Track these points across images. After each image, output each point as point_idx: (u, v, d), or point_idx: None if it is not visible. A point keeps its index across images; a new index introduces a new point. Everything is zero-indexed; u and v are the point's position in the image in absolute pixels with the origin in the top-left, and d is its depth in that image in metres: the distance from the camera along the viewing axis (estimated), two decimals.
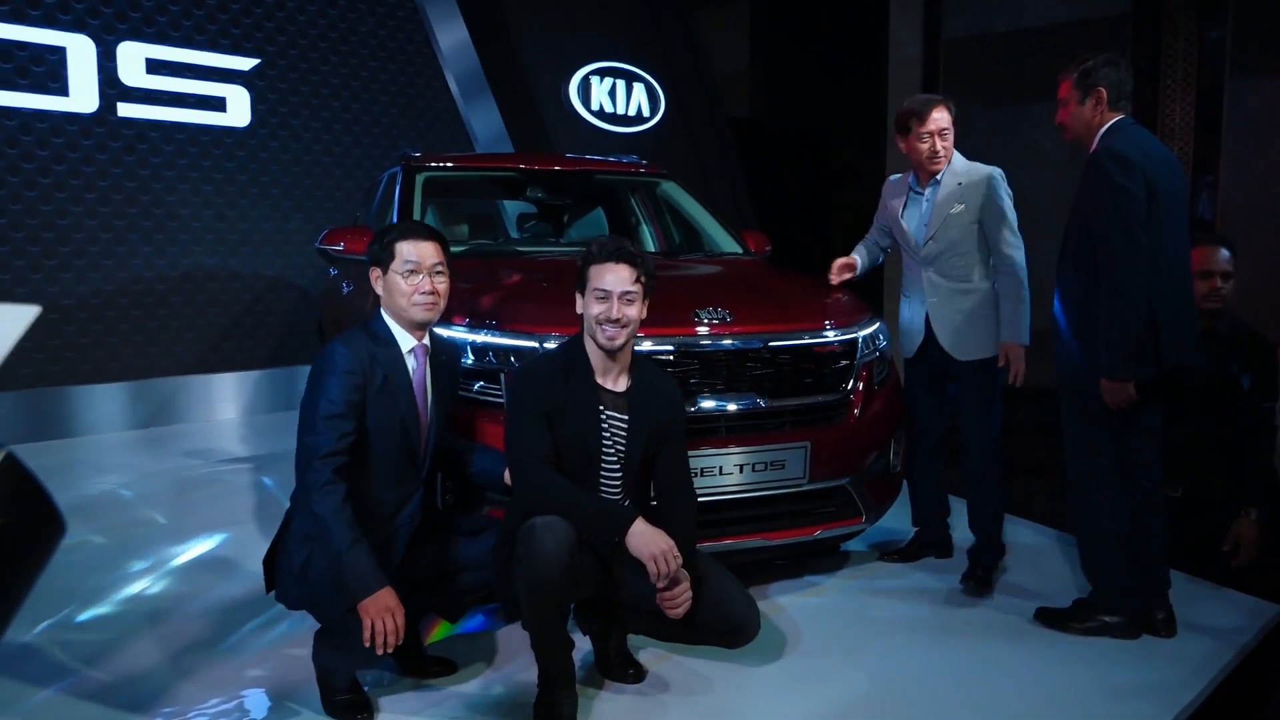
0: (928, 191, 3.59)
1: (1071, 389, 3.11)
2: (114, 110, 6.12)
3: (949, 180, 3.54)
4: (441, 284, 2.67)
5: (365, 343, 2.60)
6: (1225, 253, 3.46)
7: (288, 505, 2.66)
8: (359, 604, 2.36)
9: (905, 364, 3.81)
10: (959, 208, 3.51)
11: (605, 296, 2.60)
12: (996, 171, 3.52)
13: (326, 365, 2.53)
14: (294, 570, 2.51)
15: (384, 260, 2.66)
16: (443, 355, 2.80)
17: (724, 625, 2.61)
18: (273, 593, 2.61)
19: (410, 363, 2.66)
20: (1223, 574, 3.55)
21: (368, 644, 2.35)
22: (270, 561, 2.62)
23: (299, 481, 2.54)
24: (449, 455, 2.87)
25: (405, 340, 2.67)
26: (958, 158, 3.58)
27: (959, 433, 3.64)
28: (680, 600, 2.49)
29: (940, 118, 3.50)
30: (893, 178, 3.85)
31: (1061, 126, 3.16)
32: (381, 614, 2.35)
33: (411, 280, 2.62)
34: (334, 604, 2.44)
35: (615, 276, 2.61)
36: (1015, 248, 3.49)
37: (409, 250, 2.64)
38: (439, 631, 3.04)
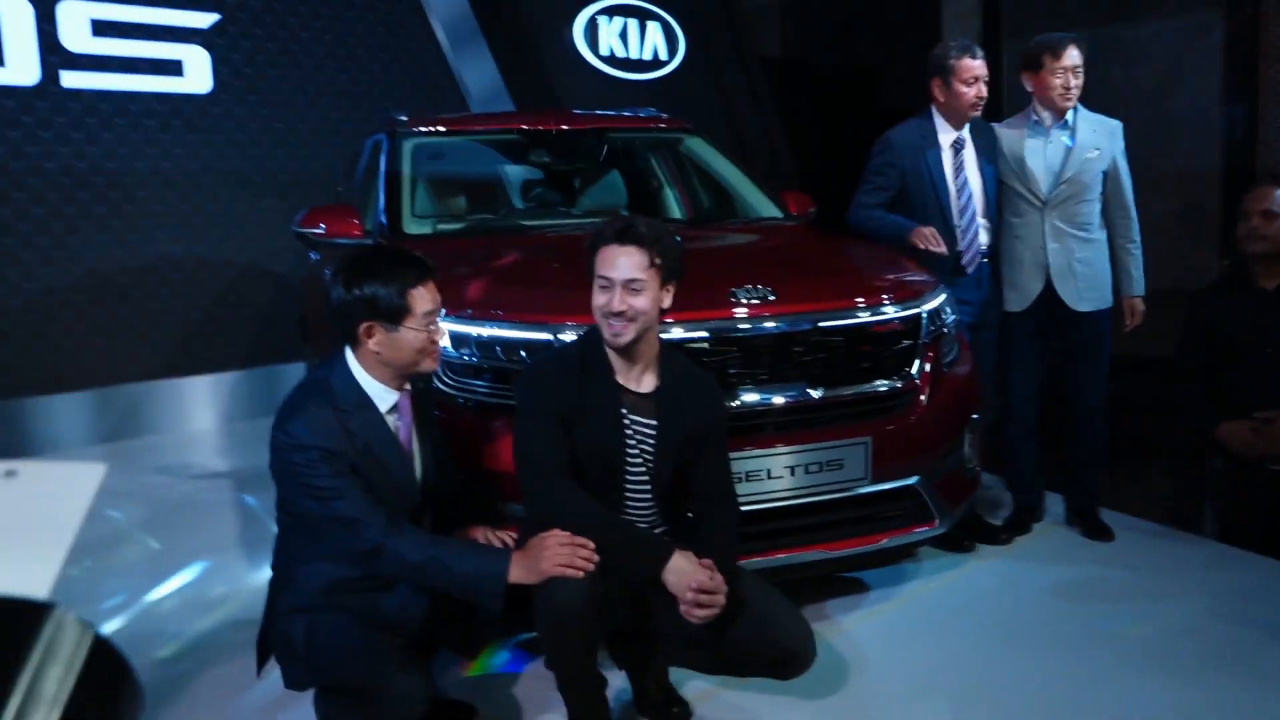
0: (1058, 133, 3.92)
1: None
2: (57, 80, 6.09)
3: (1084, 124, 3.93)
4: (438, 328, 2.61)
5: (326, 412, 2.45)
6: (1276, 193, 3.67)
7: (273, 531, 2.64)
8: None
9: (1005, 318, 4.07)
10: (1094, 153, 3.90)
11: (608, 285, 2.54)
12: (1120, 124, 3.99)
13: (296, 458, 2.40)
14: (296, 648, 2.49)
15: (395, 313, 2.47)
16: (418, 392, 2.72)
17: (773, 654, 2.57)
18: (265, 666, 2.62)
19: (392, 421, 2.57)
20: None
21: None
22: (262, 642, 2.62)
23: (284, 556, 2.56)
24: (456, 501, 2.83)
25: (384, 397, 2.55)
26: (1083, 107, 3.96)
27: (1065, 386, 4.08)
28: (706, 609, 2.44)
29: (1075, 54, 3.85)
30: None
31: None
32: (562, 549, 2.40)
33: (432, 330, 2.53)
34: (348, 667, 2.43)
35: (620, 261, 2.55)
36: (1134, 201, 3.96)
37: (428, 298, 2.51)
38: (474, 668, 3.03)
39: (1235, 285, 3.78)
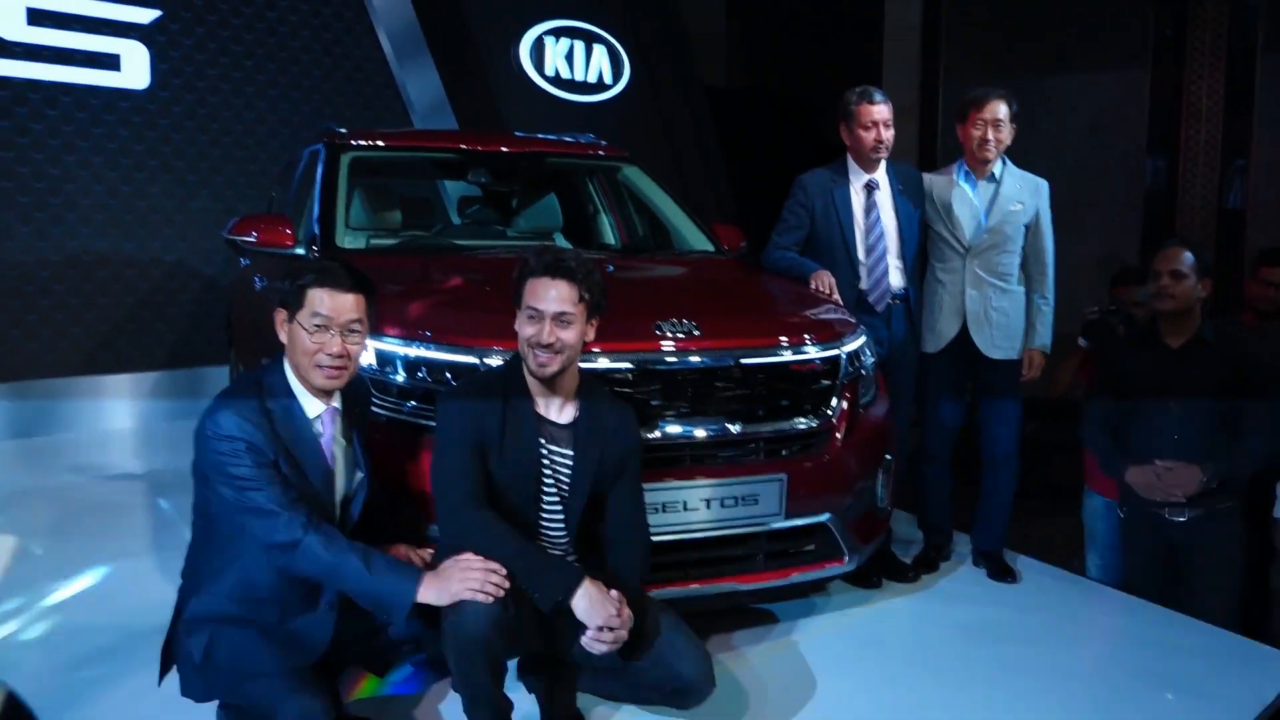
0: (984, 186, 4.10)
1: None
2: None
3: (1010, 178, 4.11)
4: (355, 345, 2.58)
5: (255, 407, 2.49)
6: (1185, 254, 3.79)
7: (188, 538, 2.65)
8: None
9: (923, 359, 4.22)
10: (1018, 206, 4.07)
11: (537, 317, 2.61)
12: (1045, 183, 4.17)
13: (221, 447, 2.44)
14: (194, 659, 2.50)
15: (291, 304, 2.55)
16: (355, 405, 2.75)
17: (673, 685, 2.64)
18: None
19: (317, 428, 2.60)
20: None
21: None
22: (167, 651, 2.62)
23: (194, 563, 2.57)
24: (378, 520, 2.84)
25: (310, 405, 2.58)
26: (1011, 163, 4.14)
27: (979, 430, 4.23)
28: (609, 641, 2.51)
29: (998, 109, 4.01)
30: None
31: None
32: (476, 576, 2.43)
33: (318, 338, 2.52)
34: (248, 684, 2.44)
35: (550, 294, 2.61)
36: (1052, 259, 4.13)
37: (322, 301, 2.53)
38: (364, 688, 3.03)
39: (1144, 340, 3.94)
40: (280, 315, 2.60)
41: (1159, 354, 3.81)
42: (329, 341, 2.53)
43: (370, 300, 2.64)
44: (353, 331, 2.57)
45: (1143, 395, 3.81)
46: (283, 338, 2.59)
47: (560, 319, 2.59)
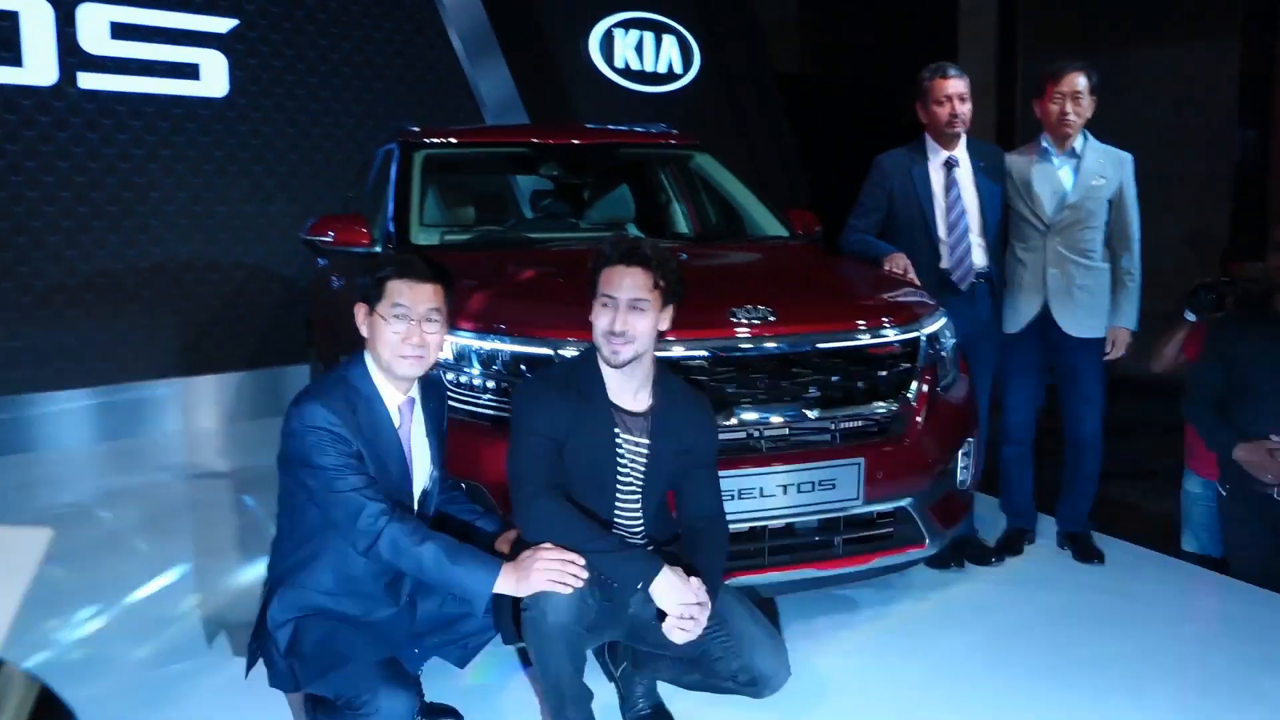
0: (1065, 161, 4.02)
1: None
2: (74, 81, 6.19)
3: (1092, 153, 4.02)
4: (433, 334, 2.61)
5: (340, 400, 2.54)
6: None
7: (273, 534, 2.70)
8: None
9: (1005, 340, 4.17)
10: (1100, 181, 4.00)
11: (611, 304, 2.60)
12: (1130, 156, 4.06)
13: (309, 439, 2.49)
14: (281, 650, 2.54)
15: (372, 298, 2.60)
16: (432, 402, 2.78)
17: (746, 674, 2.62)
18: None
19: (396, 419, 2.64)
20: None
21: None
22: (254, 644, 2.67)
23: (280, 559, 2.62)
24: (454, 513, 2.87)
25: (391, 395, 2.63)
26: (1093, 137, 4.05)
27: (1062, 411, 4.16)
28: (690, 628, 2.50)
29: (1077, 81, 3.94)
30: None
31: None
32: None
33: (398, 327, 2.56)
34: (336, 674, 2.46)
35: (625, 282, 2.60)
36: (1139, 234, 4.04)
37: (401, 291, 2.57)
38: (455, 680, 3.07)
39: (1257, 314, 3.76)
40: (361, 309, 2.64)
41: (1273, 328, 3.65)
42: (410, 331, 2.57)
43: (448, 290, 2.67)
44: (432, 321, 2.61)
45: (1255, 370, 3.66)
46: (364, 331, 2.64)
47: (634, 305, 2.59)
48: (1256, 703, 2.97)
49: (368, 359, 2.65)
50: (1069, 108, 3.94)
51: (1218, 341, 3.80)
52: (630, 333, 2.58)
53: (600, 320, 2.62)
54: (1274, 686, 3.05)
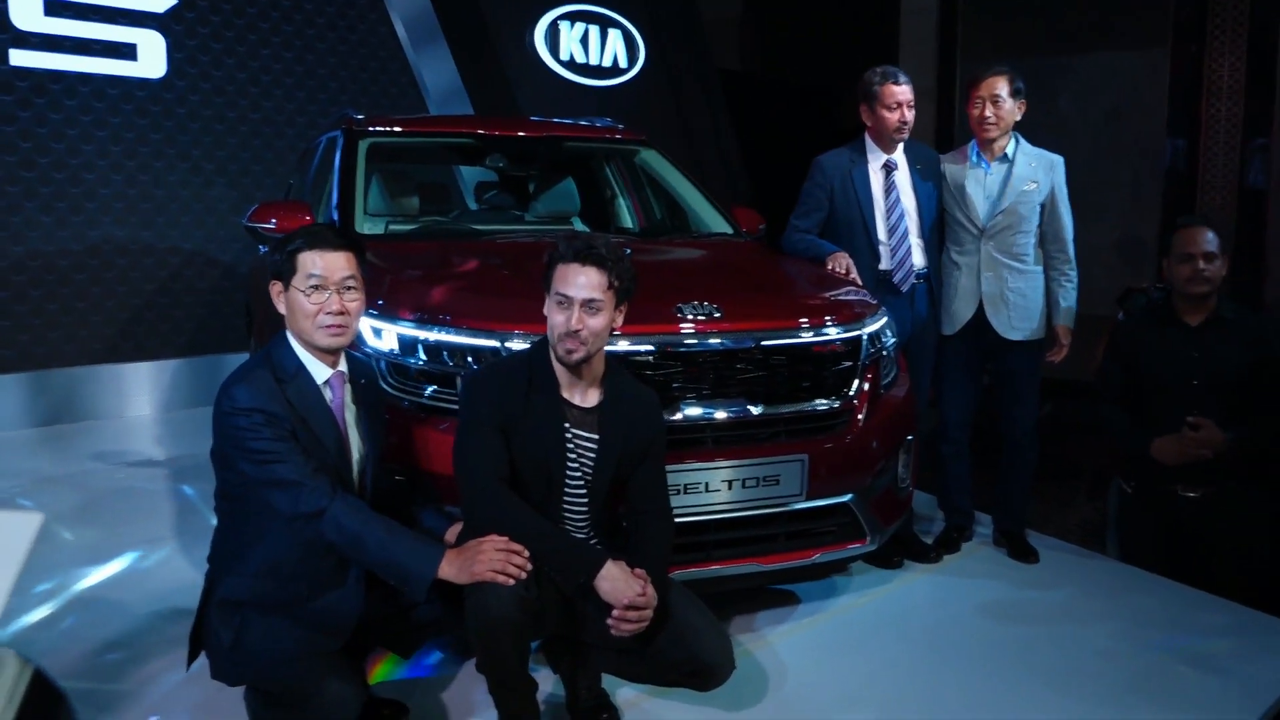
0: (996, 166, 4.08)
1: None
2: (6, 59, 6.05)
3: (1022, 158, 4.07)
4: (353, 302, 2.60)
5: (268, 379, 2.52)
6: (1210, 234, 3.78)
7: (212, 523, 2.67)
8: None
9: (940, 341, 4.23)
10: (1032, 185, 4.04)
11: (566, 303, 2.61)
12: (1060, 159, 4.12)
13: (240, 422, 2.46)
14: (225, 643, 2.52)
15: (285, 273, 2.58)
16: (361, 379, 2.76)
17: (691, 666, 2.65)
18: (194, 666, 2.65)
19: (327, 394, 2.62)
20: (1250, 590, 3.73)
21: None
22: (195, 635, 2.64)
23: (221, 546, 2.59)
24: (392, 503, 2.85)
25: (318, 370, 2.61)
26: (1024, 141, 4.10)
27: (997, 415, 4.24)
28: (635, 620, 2.53)
29: (996, 84, 4.00)
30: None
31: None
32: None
33: (316, 298, 2.54)
34: (280, 668, 2.46)
35: (580, 280, 2.61)
36: (1072, 234, 4.10)
37: (314, 262, 2.55)
38: (381, 669, 3.06)
39: (1158, 320, 3.92)
40: (276, 286, 2.62)
41: (1178, 332, 3.80)
42: (328, 300, 2.55)
43: (361, 257, 2.65)
44: (349, 289, 2.59)
45: (1159, 376, 3.81)
46: (281, 308, 2.61)
47: (589, 306, 2.60)
48: (1183, 697, 3.06)
49: (289, 337, 2.62)
50: (989, 111, 3.99)
51: (1121, 343, 3.96)
52: (585, 333, 2.60)
53: (555, 318, 2.62)
54: (1200, 681, 3.15)
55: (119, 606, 3.56)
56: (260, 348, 5.57)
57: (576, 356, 2.62)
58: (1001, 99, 3.99)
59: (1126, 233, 8.64)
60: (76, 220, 6.40)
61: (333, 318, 2.55)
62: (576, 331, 2.59)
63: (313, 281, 2.55)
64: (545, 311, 2.69)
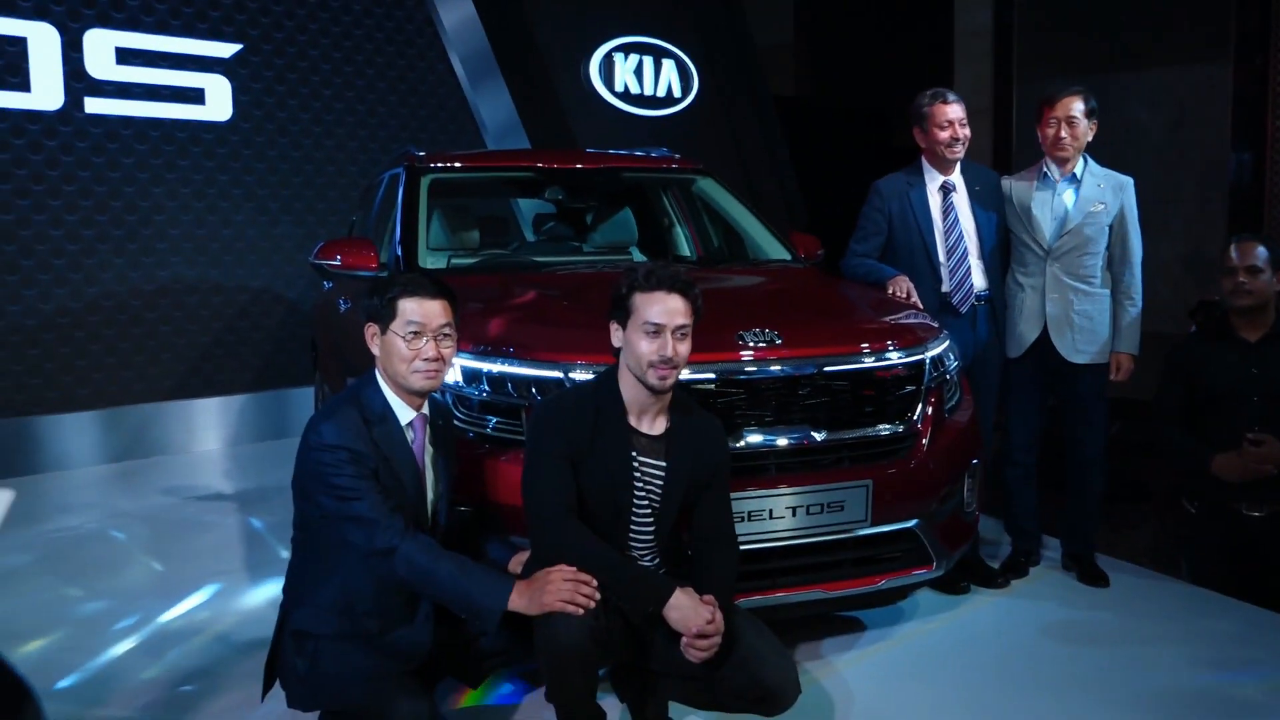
0: (1063, 186, 4.03)
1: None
2: (81, 106, 6.25)
3: (1090, 178, 4.03)
4: (447, 349, 2.70)
5: (355, 418, 2.61)
6: (1260, 249, 3.79)
7: (283, 554, 2.73)
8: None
9: (1006, 364, 4.20)
10: (1099, 207, 3.99)
11: (657, 331, 2.61)
12: (1130, 180, 4.07)
13: (324, 458, 2.54)
14: (300, 672, 2.59)
15: (383, 318, 2.68)
16: (439, 420, 2.84)
17: (757, 692, 2.63)
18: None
19: (409, 435, 2.70)
20: None
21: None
22: (270, 665, 2.71)
23: (296, 578, 2.65)
24: (458, 534, 2.90)
25: (403, 411, 2.69)
26: (1093, 161, 4.06)
27: (1064, 437, 4.17)
28: (706, 647, 2.53)
29: (1072, 105, 3.95)
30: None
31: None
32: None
33: (414, 345, 2.63)
34: (353, 690, 2.51)
35: (668, 308, 2.63)
36: (1140, 257, 4.04)
37: (413, 310, 2.65)
38: (467, 699, 3.09)
39: (1216, 335, 3.88)
40: (371, 329, 2.71)
41: (1236, 348, 3.77)
42: (424, 347, 2.64)
43: (455, 305, 2.74)
44: (445, 335, 2.69)
45: (1217, 393, 3.77)
46: (375, 350, 2.71)
47: (679, 331, 2.63)
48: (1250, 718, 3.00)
49: (379, 377, 2.70)
50: (1064, 132, 3.96)
51: (1180, 361, 3.91)
52: (677, 359, 2.62)
53: (643, 346, 2.62)
54: (1272, 707, 3.08)
55: (192, 638, 3.63)
56: (324, 382, 5.74)
57: (669, 382, 2.64)
58: (1077, 119, 3.95)
59: (1192, 248, 8.49)
60: (148, 261, 6.57)
61: (428, 364, 2.64)
62: (670, 358, 2.61)
63: (412, 328, 2.64)
64: (616, 342, 2.71)
